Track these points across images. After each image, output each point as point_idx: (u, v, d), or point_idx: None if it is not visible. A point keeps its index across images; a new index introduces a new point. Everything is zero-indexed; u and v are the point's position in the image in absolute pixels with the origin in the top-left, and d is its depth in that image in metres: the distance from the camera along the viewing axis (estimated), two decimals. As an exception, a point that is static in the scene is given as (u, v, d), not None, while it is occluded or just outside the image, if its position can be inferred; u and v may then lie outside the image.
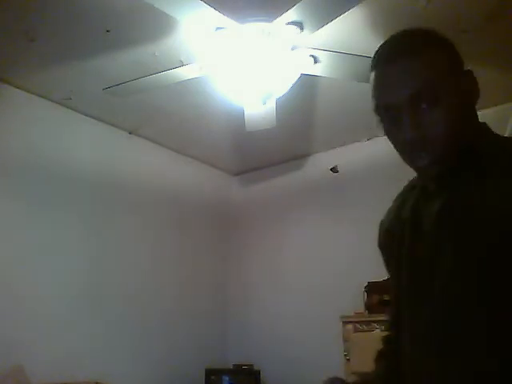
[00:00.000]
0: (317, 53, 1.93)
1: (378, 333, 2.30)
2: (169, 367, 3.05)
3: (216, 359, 3.33)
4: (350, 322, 2.73)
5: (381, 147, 3.01)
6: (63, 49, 2.27)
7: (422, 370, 0.83)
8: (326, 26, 1.76)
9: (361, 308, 2.78)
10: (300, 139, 3.32)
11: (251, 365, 3.19)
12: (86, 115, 2.89)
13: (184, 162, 3.53)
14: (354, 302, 2.80)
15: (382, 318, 2.21)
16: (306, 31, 1.76)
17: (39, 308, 2.46)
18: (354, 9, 1.76)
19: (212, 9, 1.64)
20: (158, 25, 2.09)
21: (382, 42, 0.89)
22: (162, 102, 2.75)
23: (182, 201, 3.43)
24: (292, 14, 1.68)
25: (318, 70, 2.01)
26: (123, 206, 3.03)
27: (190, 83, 2.20)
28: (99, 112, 2.89)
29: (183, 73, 2.04)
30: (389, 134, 0.87)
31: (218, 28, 1.78)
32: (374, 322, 2.59)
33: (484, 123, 0.89)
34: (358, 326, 2.69)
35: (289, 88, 2.02)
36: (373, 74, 0.87)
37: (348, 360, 2.66)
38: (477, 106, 0.87)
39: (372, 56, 0.89)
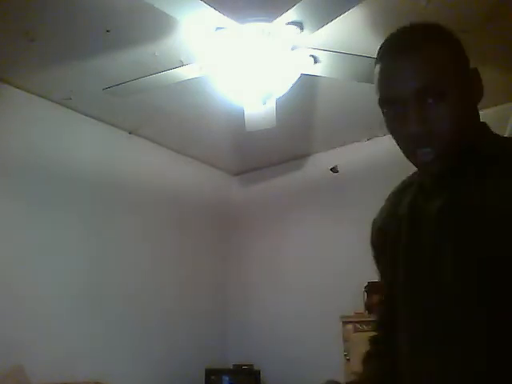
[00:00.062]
0: (317, 53, 1.93)
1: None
2: (169, 367, 3.05)
3: (216, 359, 3.33)
4: (350, 322, 2.73)
5: (381, 147, 3.04)
6: (63, 49, 2.27)
7: (421, 370, 0.83)
8: (326, 26, 1.76)
9: (361, 308, 2.78)
10: (300, 139, 3.32)
11: (251, 365, 3.19)
12: (86, 115, 2.89)
13: (184, 162, 3.53)
14: (354, 302, 2.80)
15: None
16: (306, 31, 1.76)
17: (39, 308, 2.46)
18: (354, 9, 1.76)
19: (212, 9, 1.64)
20: (158, 25, 2.09)
21: (384, 39, 0.88)
22: (162, 102, 2.75)
23: (181, 201, 3.43)
24: (292, 14, 1.68)
25: (317, 70, 2.01)
26: (123, 206, 3.03)
27: (190, 83, 2.20)
28: (99, 112, 2.89)
29: (183, 73, 2.04)
30: (392, 128, 0.86)
31: (217, 28, 1.78)
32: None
33: (484, 123, 0.89)
34: (357, 325, 2.69)
35: (289, 88, 2.02)
36: (378, 67, 0.85)
37: (348, 360, 2.66)
38: (478, 106, 0.87)
39: (375, 53, 0.88)
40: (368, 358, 1.07)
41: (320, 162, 3.49)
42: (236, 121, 2.59)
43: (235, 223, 3.81)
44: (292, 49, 1.92)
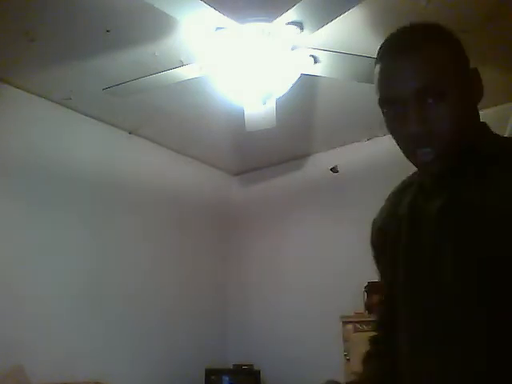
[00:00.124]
0: (317, 53, 1.93)
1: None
2: (169, 367, 3.04)
3: (216, 359, 3.33)
4: (350, 321, 2.73)
5: (381, 147, 3.04)
6: (63, 49, 2.27)
7: (421, 370, 0.83)
8: (326, 26, 1.76)
9: (361, 308, 2.78)
10: (300, 139, 3.32)
11: (251, 365, 3.19)
12: (86, 115, 2.89)
13: (184, 162, 3.53)
14: (354, 301, 2.80)
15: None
16: (306, 31, 1.76)
17: (39, 308, 2.46)
18: (354, 9, 1.76)
19: (212, 9, 1.64)
20: (158, 25, 2.09)
21: (384, 39, 0.88)
22: (162, 102, 2.75)
23: (181, 201, 3.43)
24: (292, 14, 1.68)
25: (318, 70, 2.01)
26: (123, 206, 3.03)
27: (189, 83, 2.20)
28: (99, 112, 2.89)
29: (183, 73, 2.04)
30: (392, 128, 0.86)
31: (218, 28, 1.78)
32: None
33: (484, 123, 0.89)
34: (357, 326, 2.69)
35: (289, 88, 2.02)
36: (378, 67, 0.85)
37: (348, 360, 2.66)
38: (478, 106, 0.87)
39: (375, 53, 0.87)
40: (368, 358, 1.06)
41: (320, 162, 3.49)
42: (236, 121, 2.59)
43: (235, 223, 3.81)
44: (292, 49, 1.92)
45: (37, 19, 2.06)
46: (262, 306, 3.48)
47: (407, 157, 0.86)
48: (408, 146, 0.84)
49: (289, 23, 1.73)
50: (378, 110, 0.87)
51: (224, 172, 3.88)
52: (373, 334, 1.09)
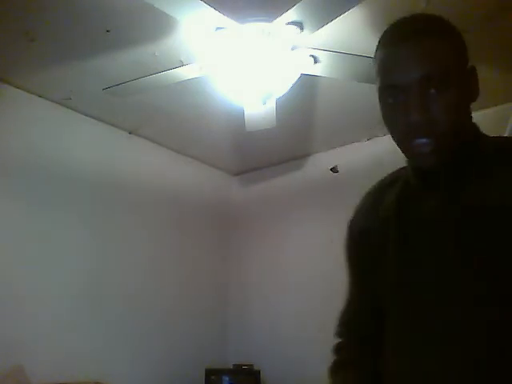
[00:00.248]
0: (317, 53, 1.93)
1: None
2: (169, 367, 3.04)
3: (216, 359, 3.33)
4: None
5: (381, 147, 3.04)
6: (63, 49, 2.27)
7: (421, 370, 0.83)
8: (326, 26, 1.76)
9: (361, 308, 2.78)
10: (300, 139, 3.32)
11: (251, 365, 3.18)
12: (86, 115, 2.89)
13: (184, 162, 3.53)
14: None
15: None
16: (306, 31, 1.76)
17: (39, 308, 2.46)
18: (354, 9, 1.75)
19: (212, 9, 1.64)
20: (158, 25, 2.09)
21: (388, 27, 0.87)
22: (162, 102, 2.75)
23: (181, 201, 3.43)
24: (292, 14, 1.68)
25: (318, 70, 2.01)
26: (123, 206, 3.03)
27: (189, 83, 2.20)
28: (99, 112, 2.89)
29: (183, 73, 2.04)
30: (390, 116, 0.84)
31: (218, 28, 1.78)
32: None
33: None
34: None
35: (289, 88, 2.02)
36: (381, 53, 0.84)
37: (348, 360, 2.65)
38: (477, 106, 0.86)
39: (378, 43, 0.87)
40: (341, 367, 1.01)
41: (320, 162, 3.48)
42: (236, 121, 2.59)
43: (235, 223, 3.81)
44: (292, 49, 1.92)
45: (37, 19, 2.06)
46: (262, 306, 3.48)
47: (401, 147, 0.85)
48: (405, 135, 0.82)
49: (289, 23, 1.73)
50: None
51: (224, 172, 3.87)
52: (337, 340, 1.05)
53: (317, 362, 2.98)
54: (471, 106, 0.85)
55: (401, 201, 0.90)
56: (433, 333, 0.81)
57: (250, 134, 2.49)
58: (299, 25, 1.72)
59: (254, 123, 2.34)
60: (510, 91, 2.56)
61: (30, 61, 2.37)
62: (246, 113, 2.26)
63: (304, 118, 2.98)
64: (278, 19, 1.74)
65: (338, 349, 1.05)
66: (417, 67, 0.79)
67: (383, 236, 0.91)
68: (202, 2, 1.59)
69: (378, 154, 3.05)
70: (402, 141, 0.84)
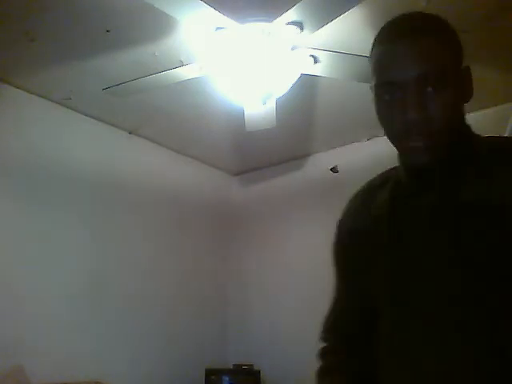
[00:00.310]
0: (317, 53, 1.93)
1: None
2: (169, 367, 3.04)
3: (216, 359, 3.33)
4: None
5: (381, 147, 3.01)
6: (63, 49, 2.27)
7: (421, 370, 0.82)
8: (326, 26, 1.76)
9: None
10: (300, 139, 3.32)
11: (251, 365, 3.18)
12: (86, 115, 2.89)
13: (184, 162, 3.53)
14: (354, 301, 2.80)
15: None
16: (306, 31, 1.76)
17: (39, 308, 2.46)
18: (354, 9, 1.76)
19: (212, 9, 1.64)
20: (158, 25, 2.09)
21: (385, 23, 0.86)
22: (162, 101, 2.75)
23: (181, 201, 3.43)
24: (292, 14, 1.68)
25: (318, 70, 2.01)
26: (123, 206, 3.03)
27: (189, 83, 2.20)
28: (99, 112, 2.89)
29: (183, 73, 2.04)
30: (385, 113, 0.84)
31: (218, 28, 1.78)
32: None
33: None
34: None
35: (289, 88, 2.02)
36: (379, 50, 0.84)
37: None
38: (477, 106, 0.87)
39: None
40: (328, 372, 1.01)
41: (320, 162, 3.48)
42: (236, 121, 2.59)
43: (235, 223, 3.81)
44: (292, 49, 1.92)
45: (37, 19, 2.06)
46: (263, 306, 3.48)
47: (396, 144, 0.85)
48: (401, 132, 0.82)
49: (289, 23, 1.73)
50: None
51: (224, 172, 3.87)
52: (322, 345, 1.04)
53: (316, 362, 2.99)
54: (471, 107, 0.85)
55: (394, 199, 0.90)
56: (432, 333, 0.81)
57: (250, 133, 2.49)
58: (299, 25, 1.72)
59: (254, 123, 2.34)
60: (510, 91, 2.56)
61: (30, 61, 2.37)
62: (246, 113, 2.26)
63: (304, 118, 2.98)
64: (277, 19, 1.74)
65: (323, 354, 1.05)
66: (415, 65, 0.79)
67: (376, 235, 0.90)
68: (202, 2, 1.59)
69: (378, 154, 3.04)
70: (398, 138, 0.84)
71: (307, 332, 3.16)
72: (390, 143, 0.88)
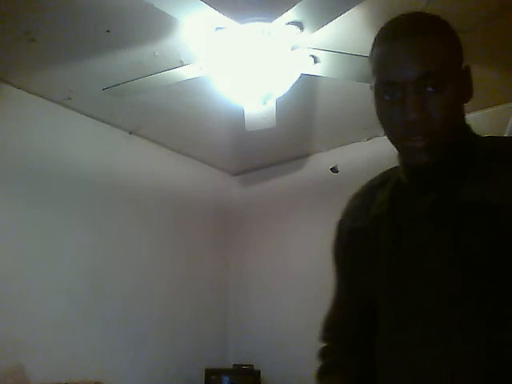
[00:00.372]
0: (317, 53, 1.93)
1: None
2: (169, 367, 3.04)
3: (216, 359, 3.33)
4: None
5: (381, 147, 3.01)
6: (63, 49, 2.27)
7: (421, 370, 0.82)
8: (326, 26, 1.76)
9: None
10: (300, 139, 3.32)
11: (251, 365, 3.18)
12: (86, 115, 2.89)
13: (184, 162, 3.53)
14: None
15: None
16: (306, 31, 1.76)
17: (39, 308, 2.46)
18: (354, 9, 1.76)
19: (212, 9, 1.64)
20: (158, 25, 2.09)
21: (385, 23, 0.86)
22: (162, 101, 2.75)
23: (181, 201, 3.43)
24: (292, 14, 1.68)
25: (317, 70, 2.01)
26: (123, 205, 3.03)
27: (189, 83, 2.20)
28: (99, 112, 2.89)
29: (183, 73, 2.04)
30: (386, 113, 0.84)
31: (217, 28, 1.78)
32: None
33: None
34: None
35: (289, 88, 2.02)
36: (380, 50, 0.83)
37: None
38: (477, 106, 0.87)
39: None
40: (327, 373, 1.01)
41: (320, 162, 3.48)
42: (236, 121, 2.59)
43: (235, 223, 3.81)
44: (292, 49, 1.92)
45: (37, 19, 2.06)
46: (263, 306, 3.48)
47: (396, 144, 0.85)
48: (401, 132, 0.82)
49: (289, 23, 1.73)
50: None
51: (224, 172, 3.87)
52: (322, 345, 1.05)
53: (317, 362, 2.99)
54: (471, 107, 0.85)
55: (394, 199, 0.90)
56: (432, 333, 0.81)
57: (249, 133, 2.49)
58: (299, 25, 1.72)
59: (253, 123, 2.34)
60: (510, 91, 2.56)
61: (30, 61, 2.37)
62: (245, 113, 2.26)
63: (304, 118, 2.98)
64: (277, 19, 1.74)
65: (323, 354, 1.05)
66: (415, 65, 0.79)
67: (376, 234, 0.90)
68: (202, 2, 1.59)
69: (378, 154, 3.04)
70: (398, 138, 0.84)
71: (307, 332, 3.15)
72: (390, 143, 0.88)
